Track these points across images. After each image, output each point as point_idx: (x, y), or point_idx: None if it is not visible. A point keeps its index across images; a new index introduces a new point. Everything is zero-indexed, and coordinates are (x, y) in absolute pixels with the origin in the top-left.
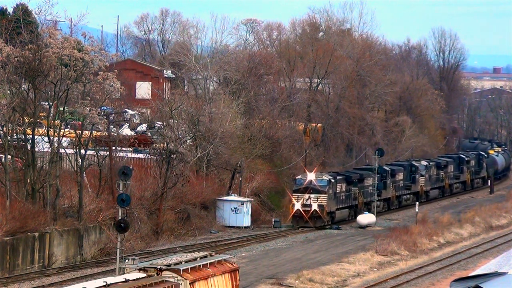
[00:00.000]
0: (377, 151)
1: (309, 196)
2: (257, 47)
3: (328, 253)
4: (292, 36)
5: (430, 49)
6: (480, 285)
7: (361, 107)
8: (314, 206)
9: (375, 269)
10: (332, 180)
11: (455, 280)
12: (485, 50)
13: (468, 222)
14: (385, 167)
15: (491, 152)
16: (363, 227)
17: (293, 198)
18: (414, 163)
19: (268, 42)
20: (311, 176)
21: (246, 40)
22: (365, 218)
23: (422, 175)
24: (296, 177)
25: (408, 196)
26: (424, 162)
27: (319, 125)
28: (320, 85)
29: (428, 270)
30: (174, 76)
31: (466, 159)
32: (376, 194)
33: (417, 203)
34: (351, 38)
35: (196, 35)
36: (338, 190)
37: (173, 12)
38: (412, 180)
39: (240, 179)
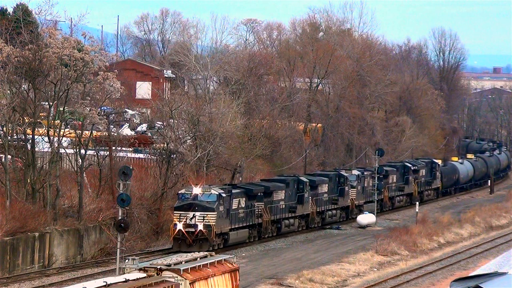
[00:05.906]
0: (377, 151)
1: (193, 215)
2: (257, 47)
3: (328, 253)
4: (292, 36)
5: (430, 49)
6: (480, 285)
7: (361, 107)
8: (200, 227)
9: (375, 269)
10: (224, 195)
11: (455, 280)
12: (485, 50)
13: (468, 222)
14: (302, 178)
15: (454, 159)
16: (363, 227)
17: (174, 217)
18: (342, 173)
19: (268, 42)
20: (196, 190)
21: (246, 40)
22: (365, 218)
23: (353, 187)
24: (179, 192)
25: (334, 211)
26: (356, 172)
27: (319, 125)
28: (320, 85)
29: (428, 270)
30: (174, 76)
31: (413, 168)
32: (376, 194)
33: (417, 203)
34: (351, 38)
35: (196, 35)
36: (234, 207)
37: (173, 12)
38: (339, 193)
39: (240, 179)
